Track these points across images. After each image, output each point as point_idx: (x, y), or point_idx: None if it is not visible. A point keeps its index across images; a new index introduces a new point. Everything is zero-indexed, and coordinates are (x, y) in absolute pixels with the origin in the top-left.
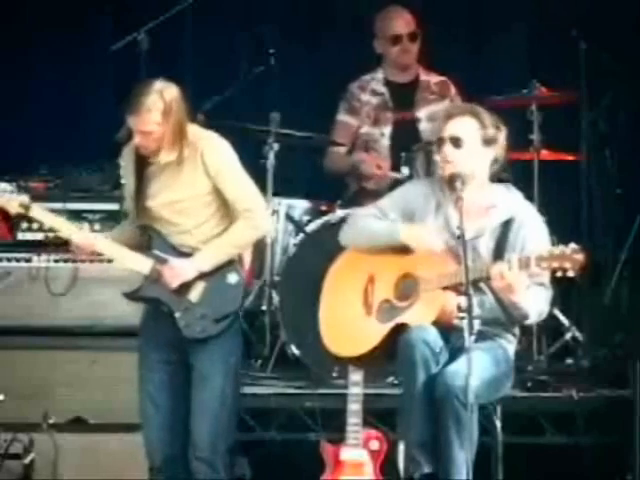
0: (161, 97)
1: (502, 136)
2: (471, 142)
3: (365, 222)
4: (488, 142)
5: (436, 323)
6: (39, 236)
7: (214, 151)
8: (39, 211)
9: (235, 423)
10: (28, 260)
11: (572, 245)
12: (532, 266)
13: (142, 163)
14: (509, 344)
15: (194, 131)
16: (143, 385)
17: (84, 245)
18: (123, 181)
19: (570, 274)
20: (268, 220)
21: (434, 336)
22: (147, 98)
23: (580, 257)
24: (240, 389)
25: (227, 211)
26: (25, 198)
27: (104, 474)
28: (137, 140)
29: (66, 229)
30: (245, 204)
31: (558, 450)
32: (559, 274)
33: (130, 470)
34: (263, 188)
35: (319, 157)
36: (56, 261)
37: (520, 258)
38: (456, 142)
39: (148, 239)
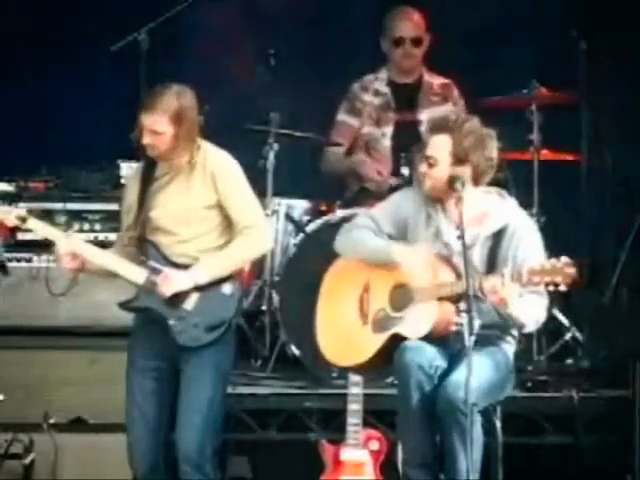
0: (177, 100)
1: (483, 150)
2: (443, 161)
3: (360, 236)
4: (461, 160)
5: (432, 333)
6: (39, 236)
7: (224, 168)
8: (36, 223)
9: (221, 427)
10: (28, 260)
11: (564, 258)
12: (524, 280)
13: (149, 180)
14: (509, 346)
15: (207, 147)
16: (130, 393)
17: (75, 254)
18: (124, 200)
19: (562, 288)
20: (269, 239)
21: (429, 357)
22: (163, 99)
23: (572, 271)
24: (226, 396)
25: (228, 225)
26: (22, 211)
27: (104, 474)
28: (146, 139)
29: (62, 240)
30: (247, 222)
31: (558, 450)
32: (550, 288)
33: (130, 470)
34: (263, 188)
35: (316, 158)
36: (56, 261)
37: (512, 273)
38: (429, 162)
39: (143, 251)
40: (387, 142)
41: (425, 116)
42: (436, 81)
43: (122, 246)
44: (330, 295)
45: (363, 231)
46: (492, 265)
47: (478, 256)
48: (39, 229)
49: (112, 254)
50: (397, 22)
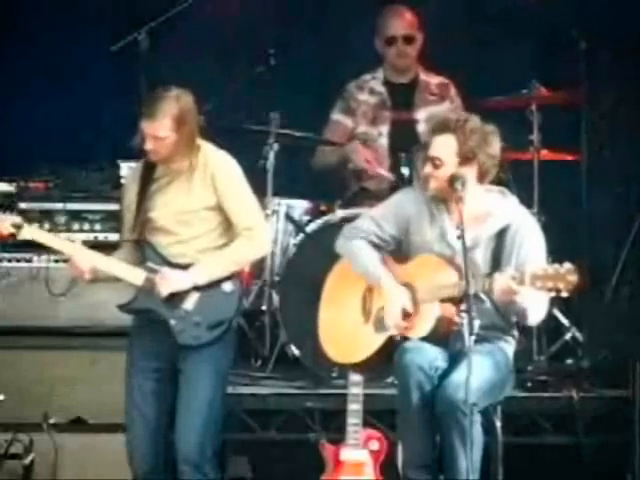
0: (177, 104)
1: (488, 148)
2: (449, 161)
3: (358, 249)
4: (467, 159)
5: (433, 333)
6: None
7: (224, 169)
8: (31, 230)
9: (221, 427)
10: (28, 260)
11: (567, 265)
12: (526, 284)
13: (148, 180)
14: (509, 346)
15: (207, 148)
16: (130, 394)
17: (78, 260)
18: (123, 201)
19: (563, 294)
20: (269, 240)
21: (429, 358)
22: (163, 104)
23: (574, 278)
24: (226, 396)
25: (228, 227)
26: (17, 219)
27: (104, 474)
28: (149, 145)
29: (59, 245)
30: (247, 223)
31: (558, 450)
32: (552, 294)
33: (130, 470)
34: (263, 188)
35: (309, 157)
36: (56, 261)
37: (514, 276)
38: (435, 163)
39: (141, 253)
40: (384, 141)
41: (422, 115)
42: (433, 80)
43: (131, 244)
44: (333, 293)
45: (362, 245)
46: (496, 265)
47: (482, 257)
48: (35, 236)
49: (110, 257)
50: (389, 21)
